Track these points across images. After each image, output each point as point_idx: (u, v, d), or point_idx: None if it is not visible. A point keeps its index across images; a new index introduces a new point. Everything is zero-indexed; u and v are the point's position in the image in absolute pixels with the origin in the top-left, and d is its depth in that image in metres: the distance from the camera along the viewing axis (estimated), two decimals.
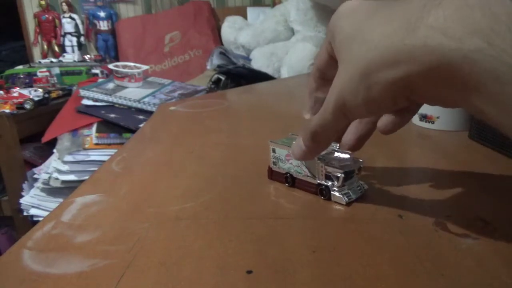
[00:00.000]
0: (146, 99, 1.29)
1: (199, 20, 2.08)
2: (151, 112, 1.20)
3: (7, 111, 1.34)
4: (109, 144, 1.19)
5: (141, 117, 1.24)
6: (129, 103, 1.28)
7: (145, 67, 1.46)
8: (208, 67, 1.56)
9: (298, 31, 1.63)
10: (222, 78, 1.25)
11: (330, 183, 0.32)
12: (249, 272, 0.23)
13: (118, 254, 0.25)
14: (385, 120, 0.30)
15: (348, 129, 0.32)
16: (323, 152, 0.32)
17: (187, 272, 0.23)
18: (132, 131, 1.18)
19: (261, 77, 1.29)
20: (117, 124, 1.21)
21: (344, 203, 0.31)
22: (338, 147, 0.33)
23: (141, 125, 1.07)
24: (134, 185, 0.38)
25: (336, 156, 0.33)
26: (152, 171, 0.41)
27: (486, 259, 0.24)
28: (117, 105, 1.29)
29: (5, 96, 1.40)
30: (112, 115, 1.24)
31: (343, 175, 0.31)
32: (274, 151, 0.35)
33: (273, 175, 0.36)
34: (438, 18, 0.20)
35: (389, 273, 0.23)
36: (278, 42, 1.66)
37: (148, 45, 2.08)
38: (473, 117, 0.47)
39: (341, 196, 0.31)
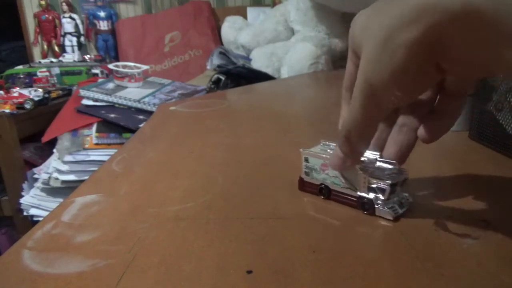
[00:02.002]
0: (146, 99, 1.29)
1: (199, 20, 2.08)
2: (151, 112, 1.20)
3: (7, 111, 1.34)
4: (109, 144, 1.19)
5: (141, 117, 1.24)
6: (129, 103, 1.28)
7: (145, 67, 1.46)
8: (208, 67, 1.56)
9: (298, 31, 1.62)
10: (222, 78, 1.25)
11: (373, 196, 0.29)
12: (249, 272, 0.23)
13: (118, 254, 0.25)
14: (424, 128, 0.28)
15: (387, 142, 0.31)
16: (365, 161, 0.30)
17: (187, 272, 0.23)
18: (132, 131, 1.18)
19: (261, 77, 1.29)
20: (117, 124, 1.21)
21: (391, 219, 0.28)
22: (380, 157, 0.31)
23: (141, 125, 1.07)
24: (134, 185, 0.38)
25: (379, 166, 0.30)
26: (152, 171, 0.41)
27: (486, 259, 0.24)
28: (117, 105, 1.29)
29: (5, 96, 1.40)
30: (112, 115, 1.24)
31: (389, 188, 0.28)
32: (307, 160, 0.32)
33: (304, 186, 0.33)
34: None
35: (389, 273, 0.23)
36: (278, 42, 1.65)
37: (148, 45, 2.08)
38: (473, 117, 0.47)
39: (387, 210, 0.28)
